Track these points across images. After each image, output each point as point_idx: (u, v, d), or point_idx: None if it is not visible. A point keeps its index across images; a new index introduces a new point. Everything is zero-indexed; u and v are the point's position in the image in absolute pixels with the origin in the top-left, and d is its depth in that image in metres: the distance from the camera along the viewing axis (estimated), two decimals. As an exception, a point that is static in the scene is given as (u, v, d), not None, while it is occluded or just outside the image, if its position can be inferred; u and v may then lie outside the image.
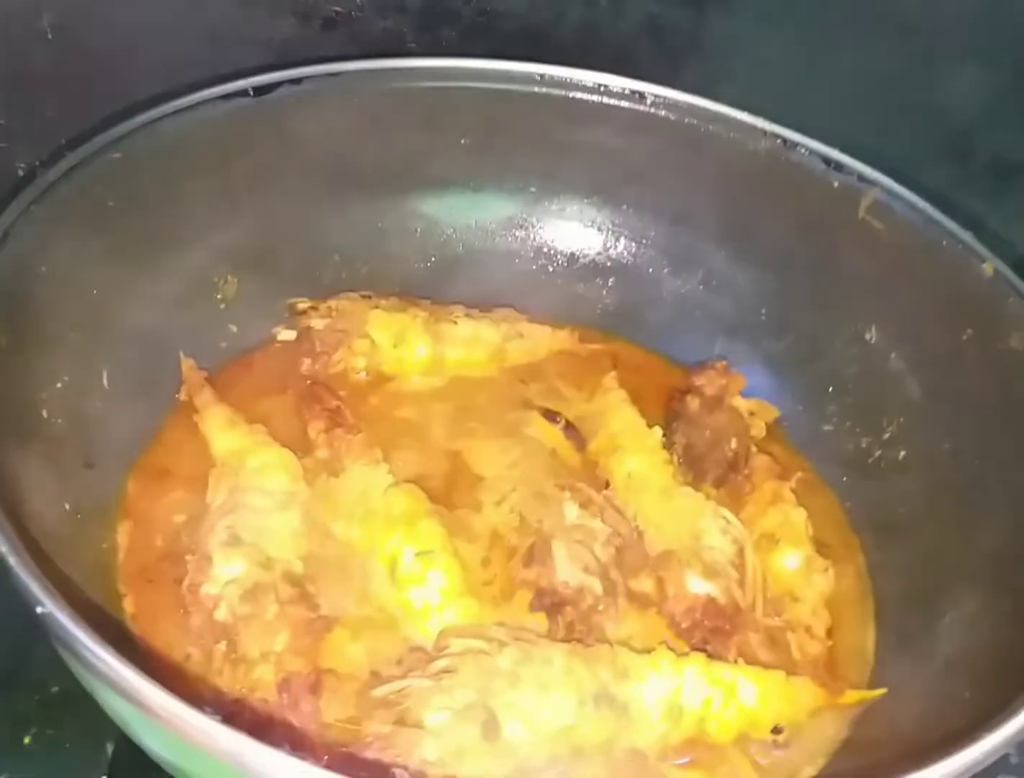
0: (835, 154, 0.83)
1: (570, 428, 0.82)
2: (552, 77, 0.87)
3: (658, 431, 0.80)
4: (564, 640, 0.66)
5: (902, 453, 0.79)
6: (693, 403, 0.83)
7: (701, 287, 0.91)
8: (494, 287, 0.92)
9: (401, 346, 0.84)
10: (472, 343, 0.86)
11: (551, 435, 0.82)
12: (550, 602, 0.68)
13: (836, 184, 0.83)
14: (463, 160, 0.89)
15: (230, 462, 0.73)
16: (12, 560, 0.49)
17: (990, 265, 0.73)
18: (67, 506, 0.67)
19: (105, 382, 0.73)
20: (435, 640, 0.65)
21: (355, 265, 0.89)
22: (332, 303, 0.85)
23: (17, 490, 0.60)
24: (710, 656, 0.66)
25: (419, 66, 0.86)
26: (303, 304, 0.85)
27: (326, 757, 0.59)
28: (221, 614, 0.64)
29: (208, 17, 0.93)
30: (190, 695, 0.45)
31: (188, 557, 0.67)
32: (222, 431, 0.76)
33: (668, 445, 0.80)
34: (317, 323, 0.84)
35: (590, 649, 0.64)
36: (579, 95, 0.88)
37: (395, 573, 0.69)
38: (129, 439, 0.74)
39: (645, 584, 0.71)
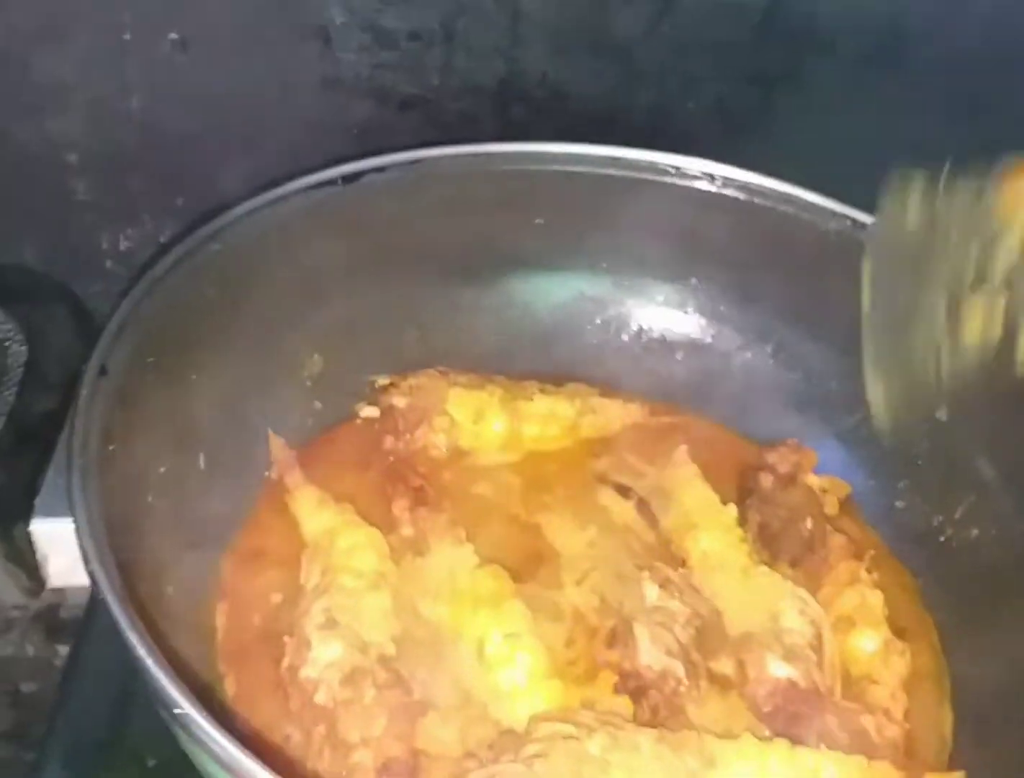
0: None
1: (643, 504, 0.84)
2: (624, 159, 0.90)
3: (733, 509, 0.81)
4: (649, 724, 0.67)
5: (975, 532, 0.81)
6: (766, 480, 0.84)
7: (771, 361, 0.93)
8: (564, 361, 0.94)
9: (479, 423, 0.87)
10: (547, 419, 0.89)
11: (624, 511, 0.83)
12: (635, 685, 0.69)
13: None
14: (537, 240, 0.92)
15: (321, 542, 0.75)
16: (149, 663, 0.52)
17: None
18: (171, 590, 0.70)
19: (202, 464, 0.77)
20: (527, 725, 0.66)
21: (432, 342, 0.92)
22: (412, 381, 0.88)
23: (131, 575, 0.63)
24: (792, 741, 0.66)
25: (495, 151, 0.89)
26: (383, 381, 0.88)
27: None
28: (321, 698, 0.65)
29: (290, 99, 0.97)
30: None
31: (286, 638, 0.69)
32: (312, 511, 0.78)
33: (742, 522, 0.81)
34: (399, 401, 0.86)
35: (677, 735, 0.65)
36: (650, 176, 0.90)
37: (482, 655, 0.70)
38: (226, 519, 0.77)
39: (726, 666, 0.72)
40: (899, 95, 0.92)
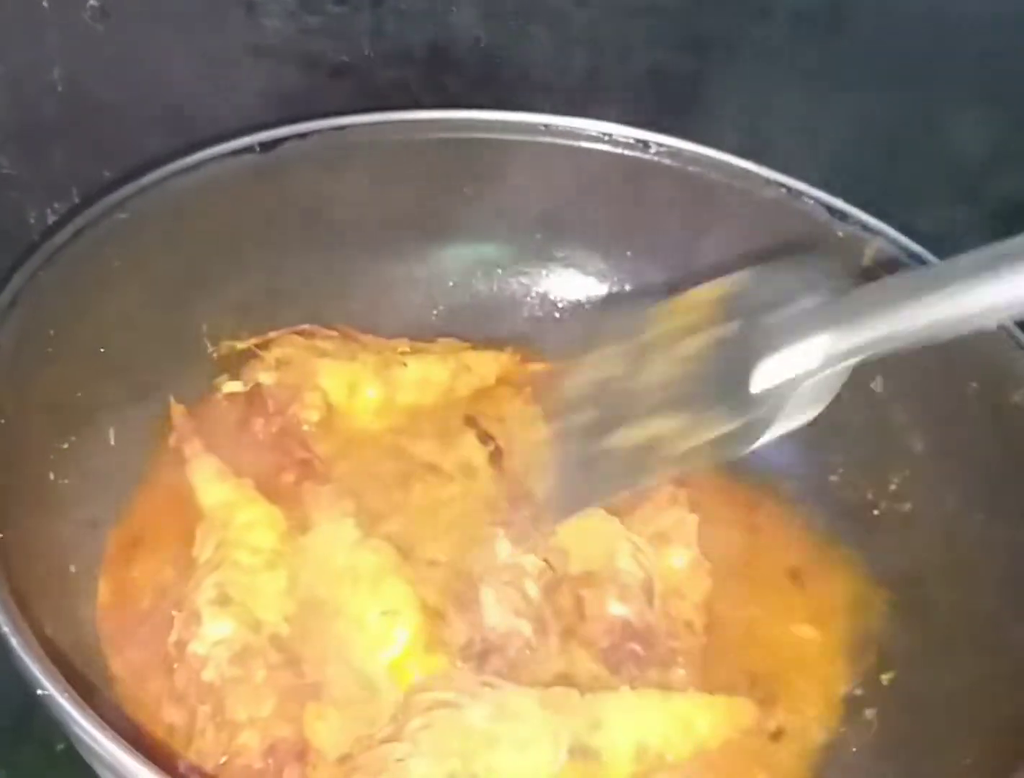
0: (839, 203, 0.83)
1: (498, 452, 0.82)
2: (557, 127, 0.88)
3: None
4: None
5: (907, 506, 0.79)
6: None
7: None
8: (499, 334, 0.93)
9: (353, 396, 0.84)
10: (423, 385, 0.86)
11: (482, 459, 0.82)
12: (479, 648, 0.68)
13: (840, 233, 0.83)
14: (468, 210, 0.89)
15: (218, 515, 0.73)
16: (14, 641, 0.50)
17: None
18: (73, 568, 0.68)
19: (112, 440, 0.75)
20: (404, 697, 0.64)
21: (356, 318, 0.89)
22: (277, 352, 0.84)
23: (24, 555, 0.61)
24: (630, 681, 0.68)
25: (423, 118, 0.87)
26: (241, 345, 0.84)
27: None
28: (209, 675, 0.63)
29: (216, 67, 0.94)
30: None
31: (174, 612, 0.67)
32: (211, 483, 0.75)
33: None
34: (266, 377, 0.82)
35: (558, 696, 0.64)
36: (584, 144, 0.88)
37: (364, 633, 0.69)
38: (131, 496, 0.75)
39: (564, 602, 0.72)
40: (836, 61, 0.90)
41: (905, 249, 0.80)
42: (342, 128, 0.84)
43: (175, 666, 0.64)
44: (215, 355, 0.84)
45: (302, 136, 0.83)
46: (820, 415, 0.84)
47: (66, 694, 0.48)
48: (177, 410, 0.80)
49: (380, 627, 0.68)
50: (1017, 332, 0.72)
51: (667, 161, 0.87)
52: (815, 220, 0.83)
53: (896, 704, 0.70)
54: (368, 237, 0.88)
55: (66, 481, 0.69)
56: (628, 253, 0.92)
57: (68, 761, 0.69)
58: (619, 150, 0.88)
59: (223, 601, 0.66)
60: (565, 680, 0.67)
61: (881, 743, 0.68)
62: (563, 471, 0.70)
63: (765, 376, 0.59)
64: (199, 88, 0.94)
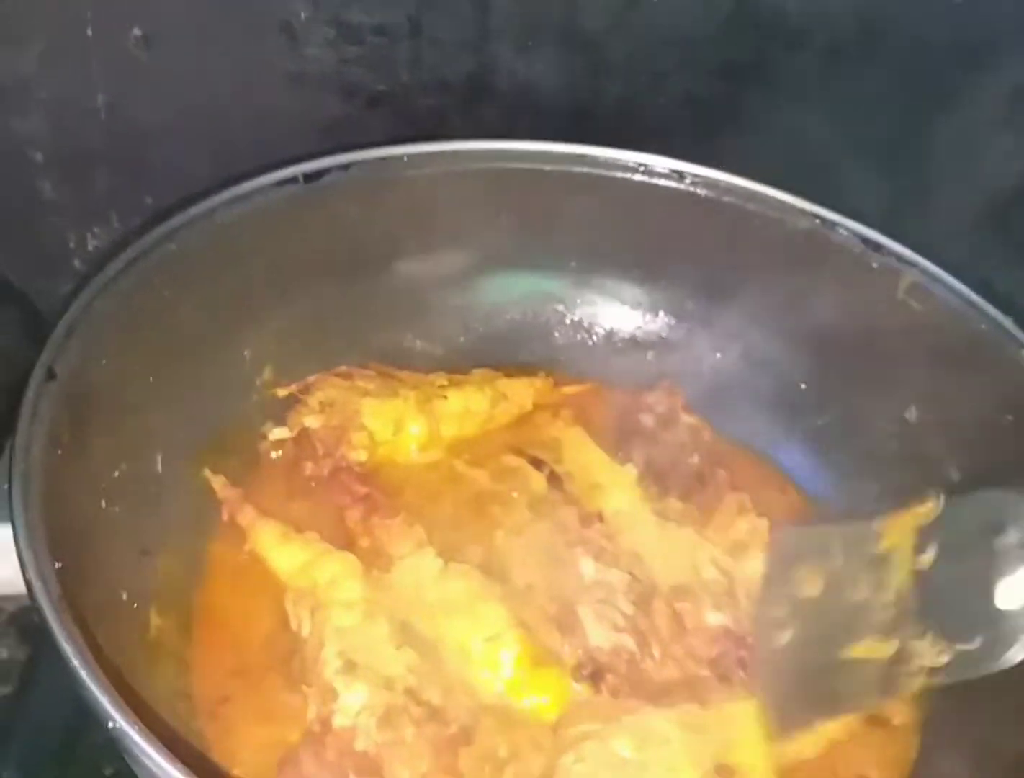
0: (873, 235, 0.84)
1: (554, 476, 0.83)
2: (593, 157, 0.89)
3: (632, 468, 0.83)
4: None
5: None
6: (647, 420, 0.86)
7: (741, 361, 0.92)
8: (532, 361, 0.94)
9: (398, 433, 0.85)
10: (463, 416, 0.88)
11: (539, 483, 0.83)
12: (591, 670, 0.69)
13: (875, 264, 0.84)
14: (504, 239, 0.91)
15: (299, 581, 0.74)
16: (84, 673, 0.51)
17: (1029, 351, 0.74)
18: (124, 596, 0.69)
19: (159, 467, 0.76)
20: (554, 734, 0.66)
21: (400, 342, 0.91)
22: (320, 395, 0.85)
23: (79, 583, 0.62)
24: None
25: (461, 149, 0.88)
26: (283, 391, 0.85)
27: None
28: (361, 744, 0.64)
29: (256, 94, 0.95)
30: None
31: (304, 688, 0.67)
32: (277, 546, 0.76)
33: (626, 460, 0.84)
34: (312, 421, 0.83)
35: (696, 717, 0.66)
36: (619, 174, 0.89)
37: (471, 663, 0.70)
38: (185, 525, 0.76)
39: (660, 618, 0.73)
40: (869, 88, 0.91)
41: (940, 280, 0.81)
42: (383, 159, 0.86)
43: (323, 743, 0.64)
44: (257, 400, 0.85)
45: (344, 167, 0.84)
46: (852, 444, 0.87)
47: (135, 727, 0.49)
48: (217, 482, 0.79)
49: (487, 654, 0.69)
50: (1052, 365, 0.73)
51: (702, 191, 0.88)
52: (849, 251, 0.85)
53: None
54: (407, 265, 0.90)
55: (116, 509, 0.71)
56: (662, 282, 0.93)
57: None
58: (654, 180, 0.89)
59: (349, 669, 0.66)
60: (683, 689, 0.69)
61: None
62: (798, 679, 0.69)
63: (1010, 593, 0.62)
64: (240, 115, 0.96)
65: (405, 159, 0.86)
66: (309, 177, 0.83)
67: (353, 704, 0.65)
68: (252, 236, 0.80)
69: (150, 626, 0.70)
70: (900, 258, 0.83)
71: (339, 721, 0.64)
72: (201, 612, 0.73)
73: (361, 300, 0.89)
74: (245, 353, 0.84)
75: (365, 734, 0.64)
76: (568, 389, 0.94)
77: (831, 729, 0.69)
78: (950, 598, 0.65)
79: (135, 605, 0.69)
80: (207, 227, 0.78)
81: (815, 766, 0.68)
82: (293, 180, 0.82)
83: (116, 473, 0.71)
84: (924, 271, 0.82)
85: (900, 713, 0.72)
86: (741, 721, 0.67)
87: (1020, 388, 0.75)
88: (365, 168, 0.85)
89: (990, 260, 0.87)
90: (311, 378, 0.86)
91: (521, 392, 0.91)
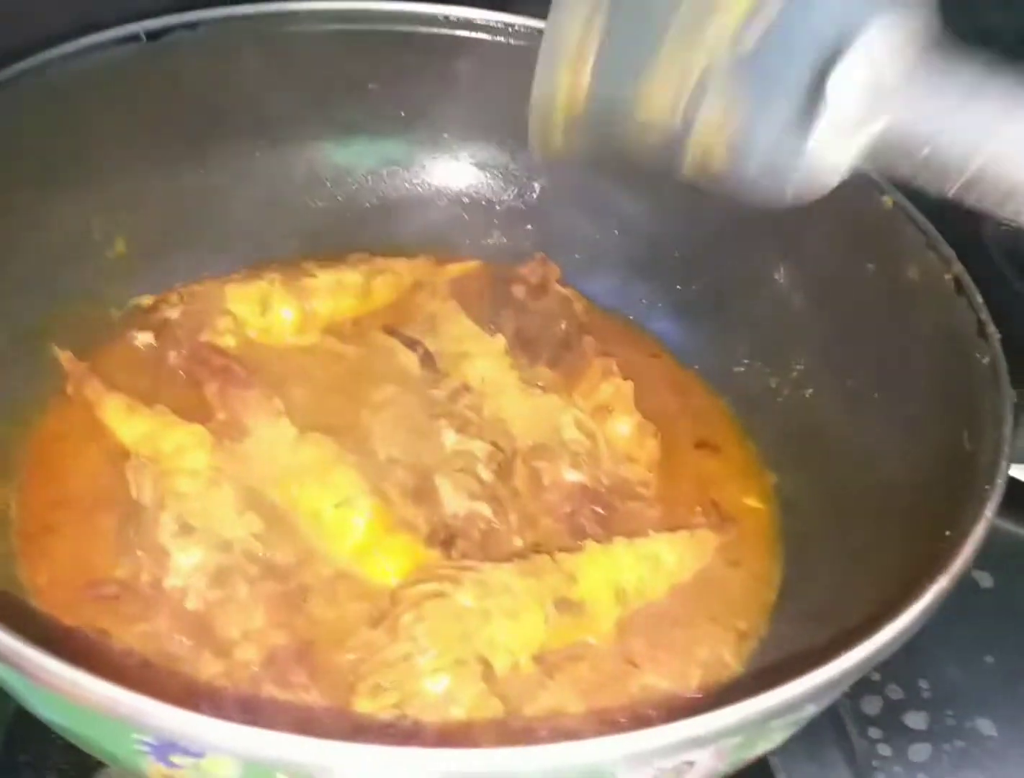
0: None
1: (428, 356, 0.82)
2: (458, 18, 0.86)
3: (501, 339, 0.82)
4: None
5: (809, 392, 0.79)
6: (519, 291, 0.86)
7: (616, 231, 0.90)
8: (408, 237, 0.91)
9: (267, 314, 0.82)
10: (336, 291, 0.85)
11: (411, 363, 0.81)
12: (444, 536, 0.68)
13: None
14: (370, 106, 0.87)
15: (143, 450, 0.71)
16: None
17: (889, 197, 0.73)
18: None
19: (-7, 336, 0.72)
20: (392, 597, 0.64)
21: (250, 221, 0.87)
22: (180, 291, 0.82)
23: None
24: (597, 539, 0.69)
25: (319, 9, 0.84)
26: (147, 300, 0.82)
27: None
28: (192, 603, 0.63)
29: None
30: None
31: (139, 553, 0.65)
32: (125, 419, 0.73)
33: (496, 331, 0.83)
34: (171, 312, 0.80)
35: (532, 563, 0.66)
36: (487, 36, 0.86)
37: (321, 530, 0.68)
38: (23, 395, 0.73)
39: (519, 478, 0.73)
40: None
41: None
42: (231, 18, 0.82)
43: (154, 605, 0.63)
44: (108, 274, 0.81)
45: (191, 26, 0.80)
46: (725, 307, 0.86)
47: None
48: (65, 356, 0.76)
49: (336, 519, 0.68)
50: (909, 206, 0.72)
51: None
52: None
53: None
54: (266, 134, 0.86)
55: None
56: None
57: None
58: (525, 42, 0.86)
59: (186, 531, 0.65)
60: (535, 551, 0.69)
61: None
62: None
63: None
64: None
65: (256, 19, 0.82)
66: (152, 35, 0.78)
67: (185, 565, 0.63)
68: (92, 95, 0.76)
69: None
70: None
71: (170, 582, 0.63)
72: (32, 474, 0.70)
73: (215, 174, 0.85)
74: (92, 222, 0.80)
75: (196, 593, 0.62)
76: (451, 267, 0.91)
77: (678, 571, 0.69)
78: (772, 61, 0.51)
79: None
80: (39, 83, 0.73)
81: (663, 605, 0.68)
82: (135, 37, 0.78)
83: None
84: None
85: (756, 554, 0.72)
86: (586, 564, 0.66)
87: (879, 233, 0.73)
88: (214, 27, 0.81)
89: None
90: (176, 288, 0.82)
91: (400, 268, 0.89)
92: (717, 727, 0.42)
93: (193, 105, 0.82)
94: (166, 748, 0.43)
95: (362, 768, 0.40)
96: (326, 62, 0.85)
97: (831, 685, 0.45)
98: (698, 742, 0.43)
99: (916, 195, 0.72)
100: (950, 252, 0.69)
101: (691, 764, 0.45)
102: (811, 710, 0.50)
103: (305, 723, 0.58)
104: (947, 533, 0.53)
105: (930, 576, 0.49)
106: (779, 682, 0.45)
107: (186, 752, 0.42)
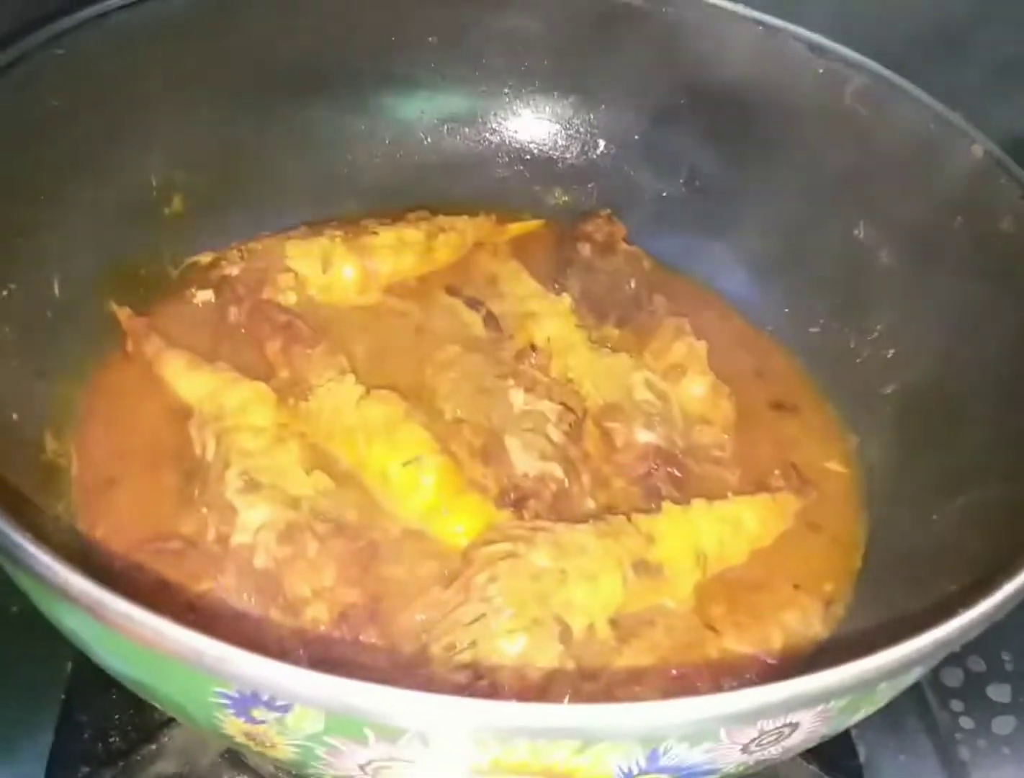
0: (818, 39, 0.79)
1: (490, 316, 0.79)
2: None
3: (566, 298, 0.80)
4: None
5: (891, 352, 0.76)
6: (584, 249, 0.84)
7: (684, 188, 0.87)
8: (468, 195, 0.89)
9: (328, 272, 0.80)
10: (398, 249, 0.82)
11: (476, 323, 0.79)
12: (515, 497, 0.66)
13: (821, 71, 0.78)
14: (431, 60, 0.85)
15: (206, 407, 0.70)
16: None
17: (979, 146, 0.70)
18: (15, 416, 0.64)
19: (56, 291, 0.71)
20: (464, 556, 0.62)
21: (313, 176, 0.85)
22: (239, 248, 0.80)
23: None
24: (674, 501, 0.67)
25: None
26: (207, 258, 0.80)
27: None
28: (260, 561, 0.60)
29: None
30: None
31: (204, 510, 0.64)
32: (186, 376, 0.72)
33: (562, 290, 0.81)
34: (231, 269, 0.78)
35: (610, 524, 0.64)
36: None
37: (389, 488, 0.66)
38: (82, 351, 0.71)
39: (591, 439, 0.71)
40: None
41: (887, 82, 0.76)
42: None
43: (223, 564, 0.61)
44: (166, 231, 0.79)
45: (253, -26, 0.78)
46: (801, 265, 0.83)
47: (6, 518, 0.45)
48: (123, 313, 0.75)
49: (405, 478, 0.66)
50: (1003, 156, 0.69)
51: (638, 3, 0.83)
52: (795, 57, 0.79)
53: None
54: (324, 89, 0.84)
55: (6, 329, 0.66)
56: (602, 106, 0.88)
57: (20, 622, 0.68)
58: (589, -6, 0.83)
59: (253, 487, 0.63)
60: (608, 512, 0.66)
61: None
62: None
63: None
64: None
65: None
66: (214, -16, 0.77)
67: (252, 521, 0.61)
68: (152, 46, 0.74)
69: (45, 449, 0.66)
70: (847, 62, 0.77)
71: (237, 539, 0.61)
72: (92, 428, 0.69)
73: (273, 130, 0.83)
74: (152, 179, 0.78)
75: (264, 550, 0.60)
76: (513, 227, 0.89)
77: (759, 534, 0.67)
78: None
79: (29, 427, 0.65)
80: (99, 32, 0.71)
81: (744, 569, 0.65)
82: (196, -13, 0.76)
83: (4, 292, 0.66)
84: (871, 73, 0.76)
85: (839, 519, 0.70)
86: (664, 526, 0.64)
87: (970, 186, 0.70)
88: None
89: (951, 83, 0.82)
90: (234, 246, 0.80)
91: (461, 227, 0.86)
92: (829, 685, 0.40)
93: (252, 59, 0.80)
94: (248, 701, 0.41)
95: (456, 721, 0.39)
96: (386, 15, 0.83)
97: (945, 644, 0.42)
98: (809, 701, 0.40)
99: (1011, 145, 0.70)
100: (1048, 202, 0.66)
101: (795, 726, 0.43)
102: (918, 672, 0.47)
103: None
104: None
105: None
106: (887, 643, 0.42)
107: (270, 705, 0.40)
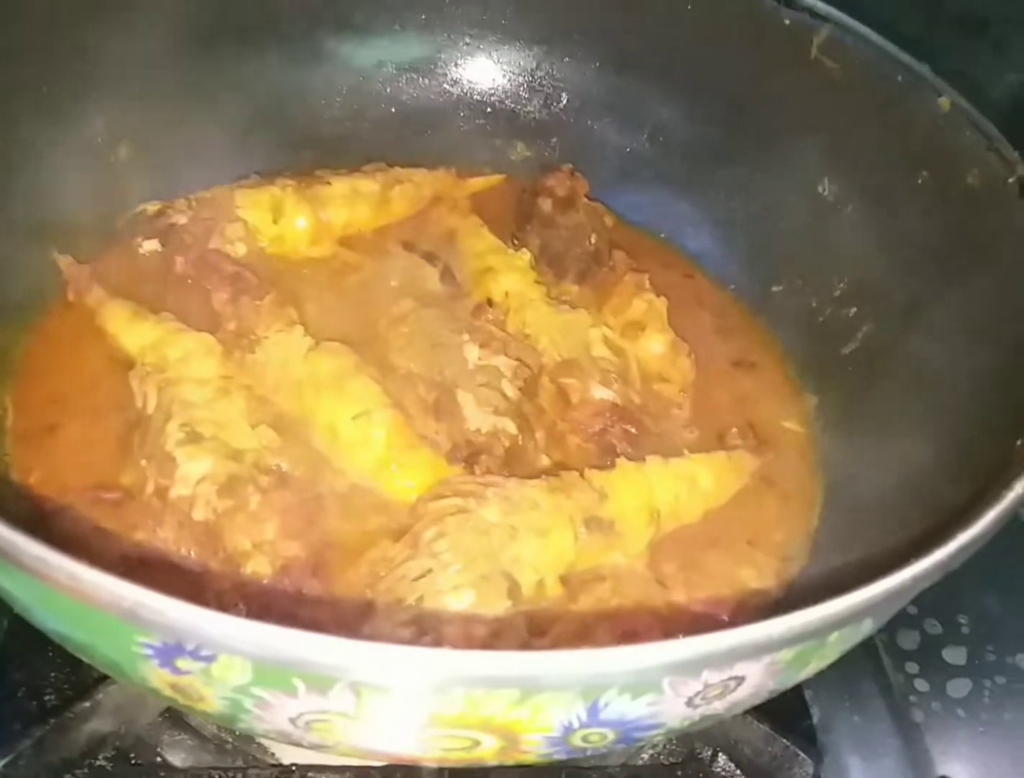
0: (784, -12, 0.77)
1: (447, 270, 0.78)
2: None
3: (525, 253, 0.78)
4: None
5: (852, 311, 0.75)
6: (545, 204, 0.82)
7: (648, 145, 0.85)
8: (427, 149, 0.86)
9: (280, 222, 0.77)
10: (352, 199, 0.80)
11: (431, 277, 0.77)
12: (466, 453, 0.64)
13: (787, 22, 0.76)
14: (389, 5, 0.83)
15: (148, 358, 0.67)
16: None
17: (946, 99, 0.68)
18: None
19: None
20: (412, 511, 0.61)
21: (268, 128, 0.82)
22: (188, 198, 0.77)
23: None
24: (628, 457, 0.66)
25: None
26: (152, 207, 0.77)
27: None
28: (200, 513, 0.59)
29: None
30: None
31: (143, 462, 0.62)
32: (128, 326, 0.70)
33: (521, 245, 0.80)
34: (179, 218, 0.76)
35: (562, 479, 0.63)
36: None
37: (338, 442, 0.65)
38: (22, 300, 0.69)
39: (546, 395, 0.70)
40: None
41: (854, 33, 0.74)
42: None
43: (162, 517, 0.59)
44: (112, 179, 0.76)
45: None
46: (763, 223, 0.82)
47: None
48: (64, 261, 0.72)
49: (354, 431, 0.64)
50: (970, 108, 0.67)
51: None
52: (761, 8, 0.77)
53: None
54: (277, 33, 0.81)
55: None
56: (566, 58, 0.85)
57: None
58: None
59: (194, 439, 0.61)
60: (562, 469, 0.65)
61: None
62: None
63: None
64: None
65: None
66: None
67: (193, 473, 0.59)
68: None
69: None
70: (814, 12, 0.75)
71: (177, 491, 0.59)
72: (30, 375, 0.67)
73: (225, 76, 0.80)
74: (96, 123, 0.75)
75: (204, 503, 0.58)
76: (473, 181, 0.87)
77: (715, 493, 0.66)
78: None
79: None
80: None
81: (698, 527, 0.64)
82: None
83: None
84: (838, 24, 0.75)
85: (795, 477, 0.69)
86: (618, 482, 0.63)
87: (936, 139, 0.69)
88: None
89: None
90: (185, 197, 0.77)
91: (419, 179, 0.84)
92: (776, 634, 0.39)
93: (204, 2, 0.77)
94: (172, 651, 0.39)
95: (382, 668, 0.37)
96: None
97: (896, 594, 0.41)
98: (755, 651, 0.39)
99: (977, 96, 0.68)
100: (1014, 155, 0.64)
101: (741, 679, 0.42)
102: (868, 626, 0.46)
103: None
104: (1019, 442, 0.49)
105: (1004, 482, 0.45)
106: (839, 591, 0.41)
107: (194, 655, 0.39)
